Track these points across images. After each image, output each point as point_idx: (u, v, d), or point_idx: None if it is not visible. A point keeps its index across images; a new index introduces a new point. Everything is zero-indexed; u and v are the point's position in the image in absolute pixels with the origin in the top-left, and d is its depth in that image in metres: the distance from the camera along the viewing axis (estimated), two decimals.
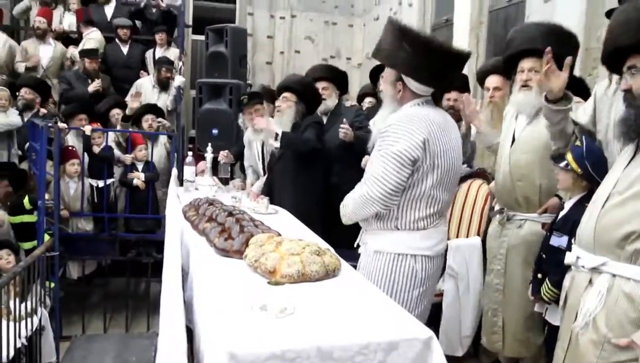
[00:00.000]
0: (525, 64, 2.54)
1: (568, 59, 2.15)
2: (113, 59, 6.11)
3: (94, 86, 5.58)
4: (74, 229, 4.75)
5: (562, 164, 2.21)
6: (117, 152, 4.99)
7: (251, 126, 3.75)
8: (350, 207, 2.16)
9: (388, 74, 2.18)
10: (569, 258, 1.79)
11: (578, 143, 2.20)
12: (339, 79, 3.91)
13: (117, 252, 4.87)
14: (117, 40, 6.21)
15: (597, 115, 2.19)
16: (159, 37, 6.20)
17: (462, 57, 2.13)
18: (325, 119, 3.70)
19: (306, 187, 3.34)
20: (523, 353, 2.68)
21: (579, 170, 2.12)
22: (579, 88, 2.80)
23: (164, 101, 5.69)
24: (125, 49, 6.21)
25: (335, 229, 2.58)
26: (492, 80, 3.17)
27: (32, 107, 5.15)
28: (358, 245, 2.32)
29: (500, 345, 2.71)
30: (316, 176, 3.42)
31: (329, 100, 3.71)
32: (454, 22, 5.71)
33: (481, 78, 3.30)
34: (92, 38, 6.12)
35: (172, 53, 6.24)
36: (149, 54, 6.26)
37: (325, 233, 2.58)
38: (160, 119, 5.11)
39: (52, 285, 4.20)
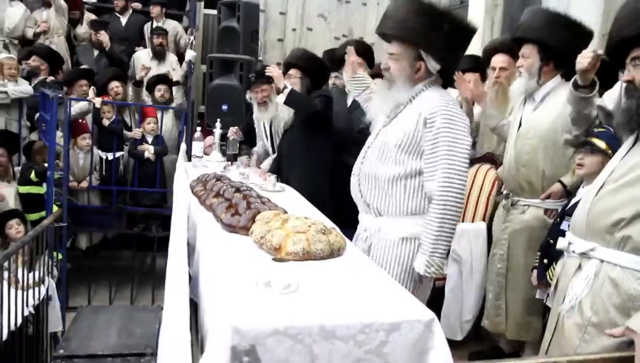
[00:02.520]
0: (522, 49, 2.57)
1: (599, 52, 2.11)
2: (111, 31, 5.98)
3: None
4: (84, 201, 4.79)
5: (589, 148, 2.21)
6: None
7: (257, 105, 3.72)
8: (452, 214, 1.99)
9: (404, 53, 2.06)
10: (561, 243, 1.81)
11: (600, 129, 2.21)
12: (370, 55, 3.81)
13: (124, 225, 4.92)
14: (116, 12, 6.12)
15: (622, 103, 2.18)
16: (152, 9, 6.07)
17: (471, 32, 2.11)
18: (351, 97, 3.59)
19: (315, 165, 3.31)
20: (524, 336, 2.70)
21: (610, 151, 2.11)
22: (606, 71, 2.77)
23: (164, 71, 5.60)
24: (124, 20, 6.13)
25: (342, 208, 2.57)
26: (499, 60, 3.14)
27: (37, 75, 5.15)
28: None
29: (503, 327, 2.73)
30: (325, 154, 3.38)
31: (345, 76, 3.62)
32: (469, 3, 5.62)
33: (487, 56, 3.25)
34: None
35: (169, 25, 6.14)
36: (146, 27, 6.16)
37: (333, 212, 2.56)
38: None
39: (60, 256, 4.25)
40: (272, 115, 3.66)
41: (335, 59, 3.83)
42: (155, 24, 6.11)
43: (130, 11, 6.19)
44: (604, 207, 1.63)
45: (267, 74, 3.37)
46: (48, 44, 5.71)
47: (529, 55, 2.53)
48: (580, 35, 2.46)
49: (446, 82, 2.22)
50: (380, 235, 2.14)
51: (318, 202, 2.70)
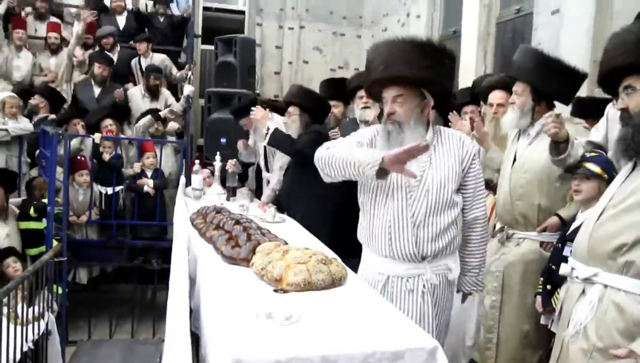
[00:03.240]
0: (515, 86, 2.62)
1: (556, 113, 2.30)
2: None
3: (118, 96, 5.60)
4: (83, 235, 4.80)
5: (584, 174, 2.25)
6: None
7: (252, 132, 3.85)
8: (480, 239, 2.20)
9: (409, 93, 2.03)
10: (564, 269, 1.83)
11: (592, 153, 2.24)
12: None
13: (124, 258, 4.91)
14: (105, 50, 6.12)
15: (608, 135, 2.23)
16: (138, 46, 6.11)
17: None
18: (362, 127, 3.55)
19: (312, 197, 3.24)
20: None
21: (606, 175, 2.14)
22: (593, 106, 2.84)
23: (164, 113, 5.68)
24: (114, 57, 6.10)
25: (342, 238, 2.56)
26: (496, 96, 3.19)
27: (36, 113, 5.22)
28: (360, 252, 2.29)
29: (492, 362, 2.70)
30: (323, 189, 3.32)
31: (373, 108, 3.43)
32: (461, 33, 5.74)
33: (485, 93, 3.30)
34: None
35: (157, 59, 6.21)
36: (134, 62, 6.21)
37: (333, 243, 2.53)
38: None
39: (60, 290, 4.24)
40: (261, 138, 3.71)
41: (344, 91, 3.85)
42: (143, 60, 6.16)
43: (118, 48, 6.25)
44: (605, 232, 1.65)
45: (251, 116, 3.46)
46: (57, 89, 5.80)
47: (522, 93, 2.57)
48: (572, 79, 2.52)
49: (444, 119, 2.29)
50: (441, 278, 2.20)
51: (318, 234, 2.71)
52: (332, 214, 3.13)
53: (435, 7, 6.69)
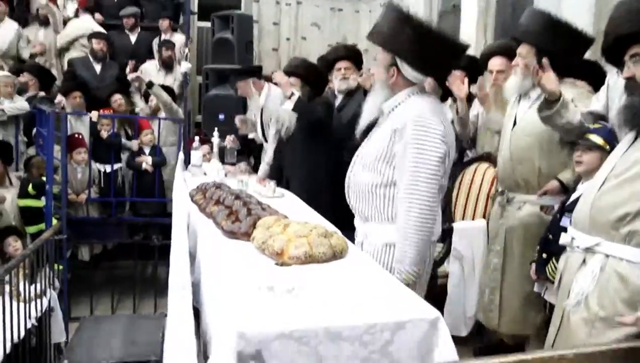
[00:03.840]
0: (519, 48, 2.59)
1: (545, 61, 2.23)
2: (120, 47, 6.05)
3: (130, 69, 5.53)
4: (83, 213, 4.80)
5: (586, 145, 2.23)
6: (123, 140, 5.03)
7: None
8: (418, 223, 1.95)
9: (382, 57, 2.09)
10: (564, 238, 1.84)
11: (596, 125, 2.23)
12: (359, 59, 3.88)
13: (124, 235, 4.92)
14: (126, 30, 6.17)
15: (609, 104, 2.22)
16: (162, 23, 6.18)
17: (461, 49, 2.11)
18: (340, 98, 3.68)
19: (316, 171, 3.33)
20: (520, 331, 2.71)
21: (608, 146, 2.13)
22: (595, 72, 2.81)
23: (170, 83, 5.67)
24: (133, 38, 6.19)
25: (344, 212, 2.56)
26: (496, 62, 3.16)
27: (25, 91, 5.16)
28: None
29: (496, 323, 2.75)
30: (326, 159, 3.39)
31: (350, 79, 3.63)
32: (461, 8, 5.66)
33: (485, 60, 3.27)
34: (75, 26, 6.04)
35: (177, 39, 6.22)
36: (155, 42, 6.22)
37: (335, 216, 2.55)
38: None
39: (61, 267, 4.25)
40: (257, 107, 3.77)
41: (324, 64, 3.88)
42: (162, 37, 6.16)
43: (139, 29, 6.24)
44: (608, 202, 1.65)
45: (273, 80, 3.45)
46: (47, 66, 5.73)
47: (526, 55, 2.54)
48: (579, 42, 2.49)
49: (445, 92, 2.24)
50: (368, 241, 2.15)
51: (320, 206, 2.71)
52: (331, 187, 3.15)
53: None
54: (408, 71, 2.04)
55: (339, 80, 3.58)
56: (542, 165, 2.57)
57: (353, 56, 3.77)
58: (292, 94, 3.32)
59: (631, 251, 1.59)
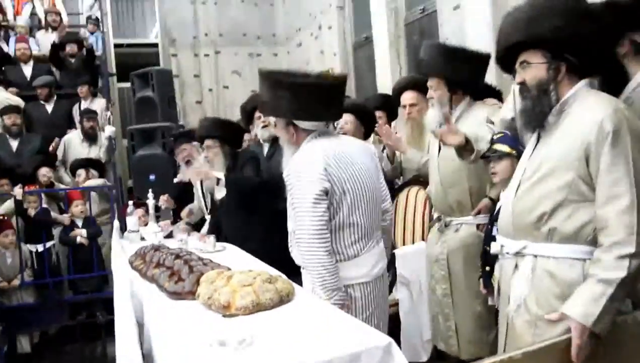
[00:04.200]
0: (429, 82, 2.70)
1: (445, 113, 2.43)
2: (37, 118, 5.85)
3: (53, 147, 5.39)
4: (18, 300, 4.52)
5: (496, 155, 2.33)
6: (53, 214, 4.82)
7: (183, 165, 3.76)
8: (309, 252, 2.03)
9: (278, 121, 2.21)
10: (494, 247, 1.90)
11: (498, 134, 2.35)
12: None
13: (66, 317, 4.67)
14: (40, 101, 5.97)
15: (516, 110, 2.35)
16: (81, 90, 6.04)
17: (339, 84, 2.21)
18: (267, 146, 3.59)
19: (253, 233, 3.16)
20: (478, 353, 2.70)
21: (514, 151, 2.24)
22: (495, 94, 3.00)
23: (96, 153, 5.54)
24: (49, 107, 5.99)
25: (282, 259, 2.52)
26: (408, 96, 3.28)
27: None
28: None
29: (456, 349, 2.75)
30: (263, 212, 3.23)
31: (271, 126, 3.42)
32: (373, 39, 5.91)
33: (397, 95, 3.40)
34: None
35: (98, 103, 6.10)
36: (75, 109, 6.07)
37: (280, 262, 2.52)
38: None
39: None
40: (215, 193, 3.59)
41: (244, 114, 3.85)
42: (83, 104, 6.01)
43: (55, 97, 6.06)
44: (524, 205, 1.73)
45: (195, 176, 3.39)
46: None
47: (437, 87, 2.66)
48: (478, 62, 2.64)
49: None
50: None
51: (258, 254, 2.68)
52: (268, 232, 3.08)
53: (345, 17, 6.88)
54: (303, 124, 2.15)
55: (260, 129, 3.51)
56: (472, 185, 2.65)
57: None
58: (219, 180, 3.21)
59: (555, 247, 1.67)
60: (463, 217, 2.69)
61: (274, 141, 3.60)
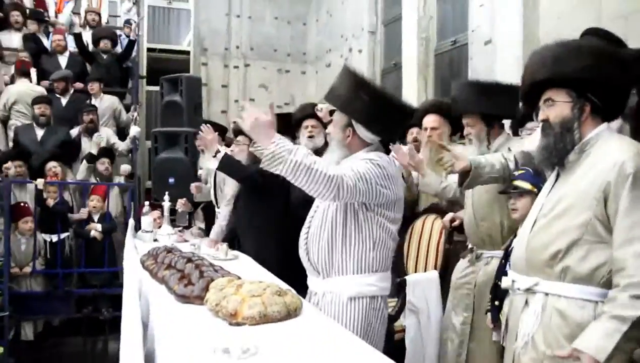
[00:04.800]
0: (466, 120, 2.74)
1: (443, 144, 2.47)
2: (53, 111, 5.89)
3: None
4: (27, 287, 4.57)
5: (517, 192, 2.33)
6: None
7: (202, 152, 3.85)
8: (305, 164, 1.87)
9: (339, 118, 2.19)
10: (505, 282, 1.89)
11: (519, 171, 2.34)
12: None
13: (72, 309, 4.70)
14: (56, 94, 6.10)
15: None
16: (91, 86, 6.13)
17: (409, 111, 2.24)
18: None
19: (264, 230, 3.25)
20: None
21: (535, 189, 2.23)
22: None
23: (88, 148, 5.58)
24: (64, 101, 6.10)
25: (295, 274, 2.53)
26: (430, 120, 3.29)
27: None
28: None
29: None
30: (273, 218, 3.29)
31: (317, 138, 3.50)
32: (402, 65, 5.96)
33: (420, 117, 3.41)
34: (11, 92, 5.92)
35: (107, 101, 6.19)
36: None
37: (285, 278, 2.52)
38: None
39: (1, 350, 4.00)
40: (208, 164, 3.75)
41: (290, 123, 3.87)
42: (93, 101, 6.11)
43: (71, 92, 6.18)
44: (539, 242, 1.73)
45: (200, 135, 3.39)
46: None
47: (474, 124, 2.70)
48: (511, 94, 2.65)
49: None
50: (330, 297, 2.17)
51: (268, 266, 2.69)
52: (282, 245, 3.11)
53: (376, 42, 6.94)
54: (363, 132, 2.14)
55: (306, 139, 3.49)
56: (504, 220, 2.64)
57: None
58: (218, 151, 3.23)
59: (567, 287, 1.66)
60: (494, 250, 2.68)
61: (315, 153, 3.63)
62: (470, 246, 2.85)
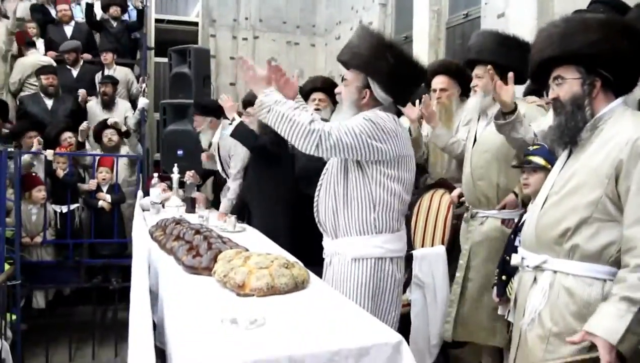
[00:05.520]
0: (475, 70, 2.72)
1: (510, 74, 2.35)
2: (62, 82, 5.89)
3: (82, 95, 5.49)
4: (38, 256, 4.63)
5: (530, 167, 2.31)
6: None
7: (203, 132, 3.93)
8: (288, 115, 1.95)
9: (354, 78, 2.16)
10: (514, 259, 1.88)
11: (535, 146, 2.32)
12: (333, 92, 3.89)
13: (82, 279, 4.77)
14: (66, 65, 6.08)
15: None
16: (105, 56, 6.11)
17: (424, 73, 2.24)
18: None
19: (272, 201, 3.28)
20: (491, 340, 2.74)
21: (550, 165, 2.21)
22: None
23: (112, 120, 5.54)
24: (75, 72, 6.10)
25: (304, 244, 2.56)
26: (438, 81, 3.27)
27: None
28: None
29: (449, 334, 2.82)
30: (281, 189, 3.33)
31: (324, 111, 3.53)
32: (413, 39, 5.86)
33: (429, 79, 3.37)
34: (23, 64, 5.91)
35: (120, 72, 6.16)
36: (97, 76, 6.11)
37: (293, 249, 2.55)
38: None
39: (14, 317, 4.07)
40: (208, 140, 3.89)
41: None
42: (106, 71, 6.09)
43: (81, 63, 6.16)
44: (549, 219, 1.72)
45: (219, 102, 3.42)
46: None
47: (483, 75, 2.66)
48: (527, 51, 2.61)
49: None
50: (337, 258, 2.20)
51: (278, 238, 2.71)
52: (291, 213, 3.14)
53: (387, 15, 6.83)
54: (379, 93, 2.13)
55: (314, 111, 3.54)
56: (501, 180, 2.67)
57: (328, 88, 3.69)
58: (234, 119, 3.28)
59: (575, 265, 1.65)
60: (489, 210, 2.71)
61: None
62: (466, 205, 2.87)
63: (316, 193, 2.25)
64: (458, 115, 3.18)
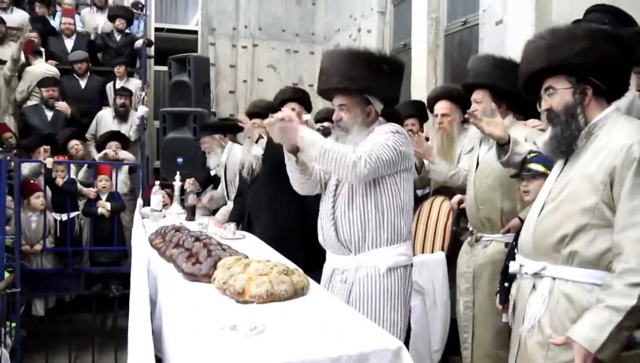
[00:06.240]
0: (474, 95, 2.72)
1: (493, 106, 2.46)
2: (70, 92, 5.97)
3: (63, 108, 5.52)
4: (37, 264, 4.63)
5: (529, 174, 2.30)
6: (79, 186, 4.93)
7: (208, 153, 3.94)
8: (331, 152, 2.00)
9: (354, 102, 2.16)
10: (513, 267, 1.88)
11: (533, 154, 2.32)
12: (307, 100, 3.91)
13: (81, 286, 4.76)
14: (74, 74, 6.13)
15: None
16: (118, 69, 6.18)
17: (402, 67, 2.27)
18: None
19: (283, 212, 3.21)
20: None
21: (549, 172, 2.21)
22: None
23: (126, 131, 5.65)
24: (83, 83, 6.13)
25: (316, 250, 2.54)
26: (441, 106, 3.27)
27: None
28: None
29: (469, 361, 2.75)
30: (292, 200, 3.10)
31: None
32: (411, 46, 5.89)
33: (431, 104, 3.39)
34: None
35: (133, 84, 6.22)
36: (109, 86, 6.21)
37: (307, 255, 2.55)
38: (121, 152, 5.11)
39: (14, 324, 4.06)
40: (215, 163, 3.89)
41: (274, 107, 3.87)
42: (118, 83, 6.13)
43: (89, 74, 6.20)
44: (547, 226, 1.72)
45: (239, 124, 3.41)
46: None
47: (482, 99, 2.67)
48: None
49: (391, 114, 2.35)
50: (363, 271, 2.20)
51: (289, 248, 2.70)
52: (302, 226, 3.12)
53: (385, 22, 6.86)
54: (378, 106, 2.18)
55: None
56: (504, 205, 2.63)
57: (301, 97, 3.72)
58: (261, 137, 3.21)
59: (575, 271, 1.65)
60: (493, 234, 2.68)
61: None
62: (470, 229, 2.86)
63: (329, 214, 2.22)
64: (460, 141, 3.17)
